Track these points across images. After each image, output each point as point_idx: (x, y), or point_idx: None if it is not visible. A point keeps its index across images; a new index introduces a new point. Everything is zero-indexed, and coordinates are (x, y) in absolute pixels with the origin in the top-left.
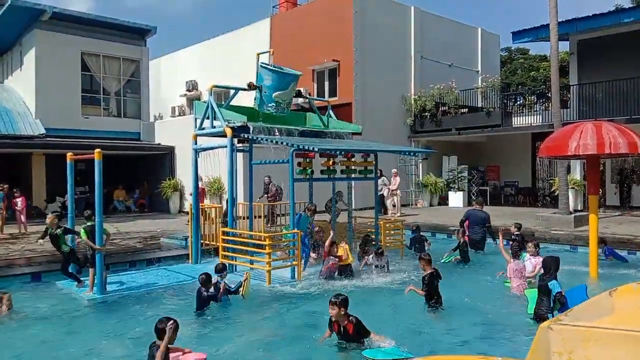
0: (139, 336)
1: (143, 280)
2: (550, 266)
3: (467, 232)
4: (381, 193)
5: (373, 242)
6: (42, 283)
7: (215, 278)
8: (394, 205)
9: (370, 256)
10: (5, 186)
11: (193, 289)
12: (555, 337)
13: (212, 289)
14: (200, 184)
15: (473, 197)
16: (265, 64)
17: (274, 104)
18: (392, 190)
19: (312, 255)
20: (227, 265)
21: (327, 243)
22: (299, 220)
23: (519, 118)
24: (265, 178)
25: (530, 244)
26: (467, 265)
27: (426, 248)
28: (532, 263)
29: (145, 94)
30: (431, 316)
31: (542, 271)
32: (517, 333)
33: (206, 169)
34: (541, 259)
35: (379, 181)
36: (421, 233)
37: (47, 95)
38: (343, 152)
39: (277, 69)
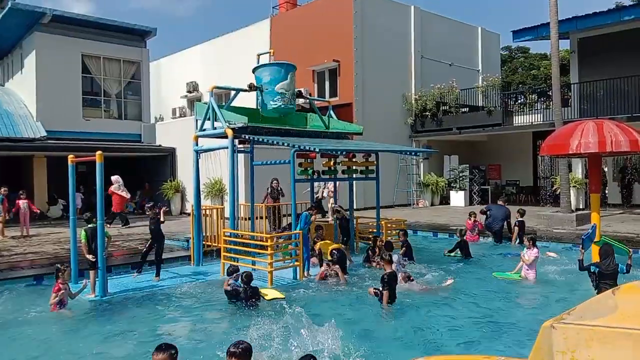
0: (140, 338)
1: (144, 282)
2: (610, 253)
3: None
4: (317, 196)
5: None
6: (45, 285)
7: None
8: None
9: (395, 256)
10: (3, 189)
11: (195, 290)
12: (558, 336)
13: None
14: (114, 187)
15: (475, 196)
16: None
17: (279, 96)
18: (330, 192)
19: (312, 260)
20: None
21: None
22: (306, 220)
23: (519, 117)
24: (274, 181)
25: (525, 239)
26: (469, 261)
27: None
28: (528, 254)
29: (146, 96)
30: (435, 315)
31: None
32: (520, 332)
33: (207, 170)
34: (536, 250)
35: (315, 183)
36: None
37: (48, 97)
38: (344, 152)
39: (271, 63)
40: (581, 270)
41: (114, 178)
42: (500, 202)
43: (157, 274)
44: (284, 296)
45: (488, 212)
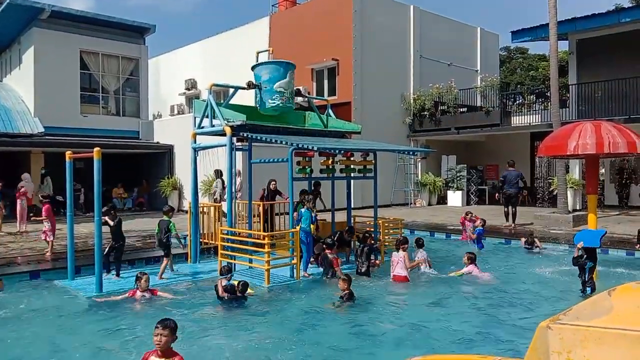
0: (135, 334)
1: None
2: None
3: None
4: (215, 197)
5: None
6: (41, 281)
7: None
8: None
9: (421, 255)
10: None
11: (191, 288)
12: (554, 337)
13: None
14: (22, 183)
15: (472, 196)
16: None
17: (278, 95)
18: (235, 192)
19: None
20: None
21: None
22: (305, 217)
23: (518, 117)
24: (272, 183)
25: (465, 256)
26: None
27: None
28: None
29: (144, 93)
30: (432, 314)
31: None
32: (516, 332)
33: (205, 168)
34: (471, 267)
35: (214, 184)
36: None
37: (45, 93)
38: (342, 151)
39: (271, 61)
40: (575, 266)
41: (23, 176)
42: (510, 169)
43: (117, 274)
44: (253, 292)
45: (504, 179)
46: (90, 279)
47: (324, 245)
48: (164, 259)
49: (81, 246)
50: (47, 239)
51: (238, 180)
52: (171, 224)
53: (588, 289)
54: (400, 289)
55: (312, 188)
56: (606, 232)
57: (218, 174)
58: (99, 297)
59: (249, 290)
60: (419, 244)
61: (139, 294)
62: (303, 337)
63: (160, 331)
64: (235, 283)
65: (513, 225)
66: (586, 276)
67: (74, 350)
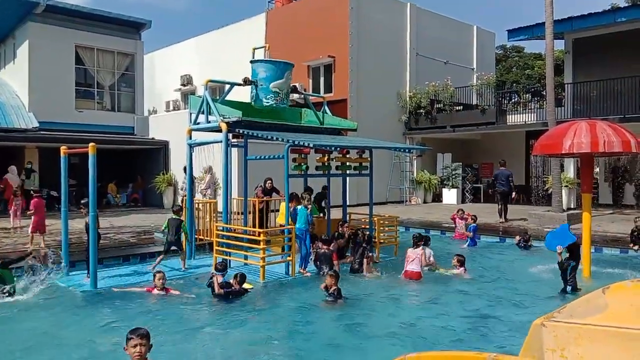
0: (126, 330)
1: (136, 275)
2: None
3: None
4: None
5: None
6: (35, 276)
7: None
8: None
9: (427, 253)
10: None
11: (185, 284)
12: (548, 334)
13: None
14: (8, 175)
15: (467, 194)
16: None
17: (273, 95)
18: (202, 190)
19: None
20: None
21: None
22: (301, 214)
23: (513, 116)
24: (268, 182)
25: (455, 258)
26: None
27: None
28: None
29: (140, 88)
30: (426, 312)
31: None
32: (510, 329)
33: (200, 164)
34: (462, 269)
35: (180, 183)
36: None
37: (40, 88)
38: (338, 148)
39: (270, 60)
40: (562, 270)
41: (9, 168)
42: (502, 168)
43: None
44: (252, 286)
45: (495, 178)
46: (84, 274)
47: (320, 243)
48: (180, 252)
49: (75, 241)
50: (30, 232)
51: (207, 177)
52: (183, 224)
53: (569, 287)
54: (399, 285)
55: (321, 191)
56: (569, 225)
57: (185, 170)
58: (116, 288)
59: (247, 285)
60: (424, 241)
61: (155, 291)
62: (297, 333)
63: (139, 341)
64: (232, 279)
65: (504, 219)
66: (568, 275)
67: (70, 344)
